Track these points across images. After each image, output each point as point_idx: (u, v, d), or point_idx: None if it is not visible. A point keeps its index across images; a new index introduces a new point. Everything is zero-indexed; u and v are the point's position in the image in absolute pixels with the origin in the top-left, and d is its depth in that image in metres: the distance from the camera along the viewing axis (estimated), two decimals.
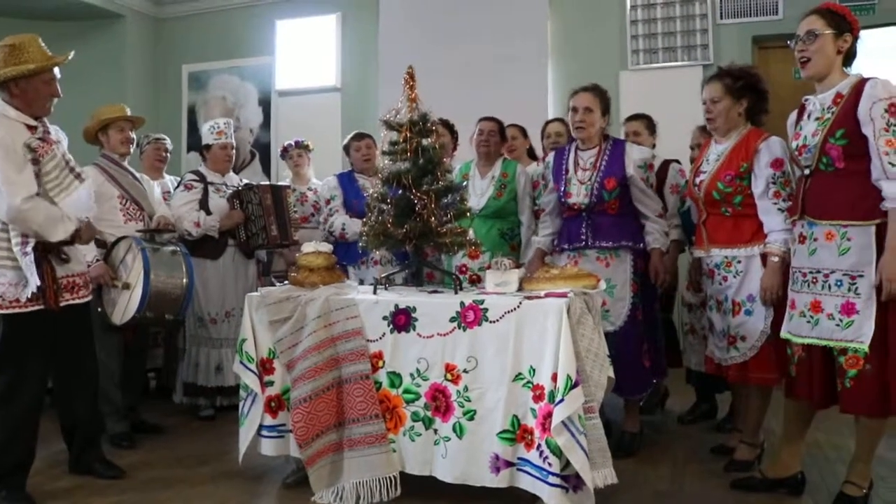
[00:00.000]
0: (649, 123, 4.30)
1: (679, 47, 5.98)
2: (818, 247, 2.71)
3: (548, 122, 4.69)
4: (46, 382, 3.09)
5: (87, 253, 3.37)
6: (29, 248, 2.87)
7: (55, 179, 2.93)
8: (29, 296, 2.88)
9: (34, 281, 2.86)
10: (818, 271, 2.70)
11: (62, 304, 3.00)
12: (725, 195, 3.15)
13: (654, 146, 4.29)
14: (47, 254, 2.95)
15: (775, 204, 3.02)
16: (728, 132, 3.23)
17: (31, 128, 2.97)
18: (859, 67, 2.79)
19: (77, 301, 3.09)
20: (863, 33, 2.78)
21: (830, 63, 2.72)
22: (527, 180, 4.12)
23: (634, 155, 3.49)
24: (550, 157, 3.79)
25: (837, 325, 2.63)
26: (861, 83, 2.63)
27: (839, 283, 2.64)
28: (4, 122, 2.92)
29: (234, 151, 4.49)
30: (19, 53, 2.95)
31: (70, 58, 3.06)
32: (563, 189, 3.58)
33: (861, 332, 2.57)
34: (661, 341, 3.72)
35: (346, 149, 4.69)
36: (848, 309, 2.61)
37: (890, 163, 2.52)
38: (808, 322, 2.72)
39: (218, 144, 4.40)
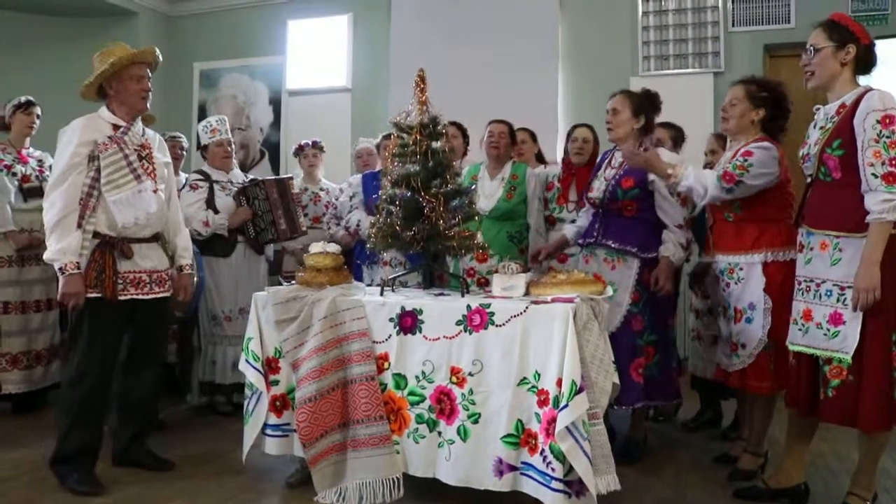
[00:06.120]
0: (675, 134, 4.26)
1: (690, 54, 5.96)
2: (813, 256, 2.73)
3: (574, 127, 4.40)
4: (112, 370, 3.16)
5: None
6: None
7: (108, 176, 3.03)
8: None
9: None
10: (811, 280, 2.73)
11: (125, 297, 3.10)
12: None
13: None
14: (113, 248, 3.06)
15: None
16: (739, 137, 3.23)
17: (116, 127, 3.11)
18: (873, 77, 2.79)
19: (142, 297, 3.16)
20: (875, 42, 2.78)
21: (833, 75, 2.73)
22: (536, 183, 4.14)
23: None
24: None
25: (825, 334, 2.65)
26: (862, 95, 2.63)
27: (829, 293, 2.65)
28: (92, 121, 3.11)
29: (231, 147, 4.51)
30: (106, 56, 3.11)
31: (155, 52, 3.21)
32: (589, 184, 3.64)
33: (846, 343, 2.59)
34: (673, 362, 3.58)
35: (377, 147, 4.80)
36: (835, 319, 2.62)
37: (873, 174, 2.52)
38: (800, 330, 2.76)
39: (214, 142, 4.44)
